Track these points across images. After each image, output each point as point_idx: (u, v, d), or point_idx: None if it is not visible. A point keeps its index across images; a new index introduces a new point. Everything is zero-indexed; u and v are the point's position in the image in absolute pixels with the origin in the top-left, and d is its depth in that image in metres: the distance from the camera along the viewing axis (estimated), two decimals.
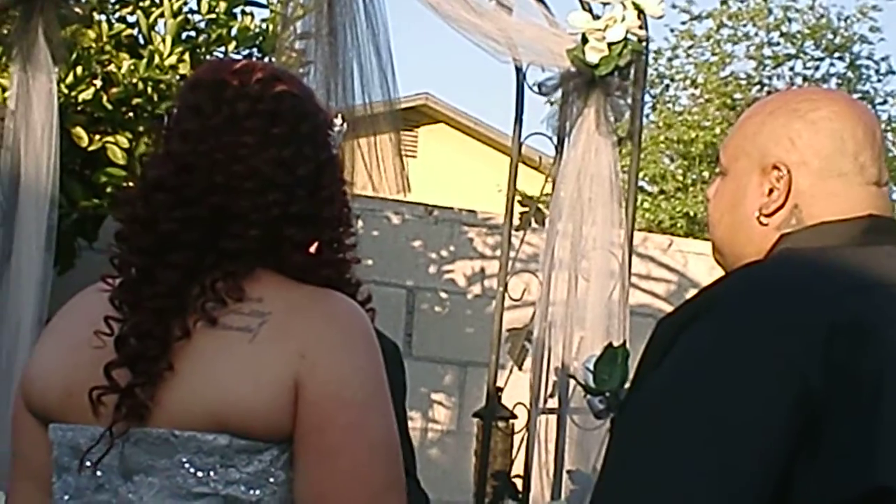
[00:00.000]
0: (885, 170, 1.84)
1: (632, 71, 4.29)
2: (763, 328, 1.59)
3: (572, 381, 4.15)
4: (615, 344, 3.75)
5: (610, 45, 4.12)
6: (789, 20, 18.72)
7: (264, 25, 5.18)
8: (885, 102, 18.90)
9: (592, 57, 4.14)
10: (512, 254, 4.62)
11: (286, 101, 1.93)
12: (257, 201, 1.86)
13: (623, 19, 4.11)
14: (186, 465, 1.79)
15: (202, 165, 1.87)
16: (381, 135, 4.04)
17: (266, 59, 4.93)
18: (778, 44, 18.87)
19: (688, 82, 19.07)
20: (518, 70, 4.48)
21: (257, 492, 1.79)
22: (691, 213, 17.14)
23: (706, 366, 1.60)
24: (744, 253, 1.84)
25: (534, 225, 4.60)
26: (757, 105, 1.92)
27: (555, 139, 4.53)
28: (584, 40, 4.16)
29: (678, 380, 1.61)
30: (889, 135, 18.39)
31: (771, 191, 1.81)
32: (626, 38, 4.13)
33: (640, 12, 4.16)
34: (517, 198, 4.62)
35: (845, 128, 1.80)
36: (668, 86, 19.05)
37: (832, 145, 1.79)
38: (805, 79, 18.80)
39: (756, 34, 18.79)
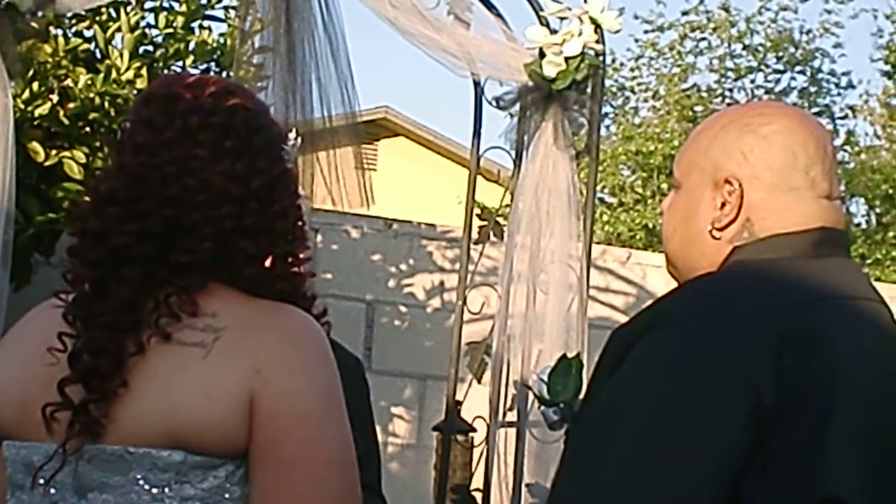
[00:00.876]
0: (837, 183, 1.85)
1: (589, 85, 4.30)
2: (714, 341, 1.60)
3: (531, 395, 4.15)
4: (570, 356, 3.76)
5: (567, 59, 4.13)
6: (752, 32, 18.84)
7: (222, 40, 5.16)
8: (845, 117, 19.04)
9: (550, 71, 4.15)
10: (471, 267, 4.62)
11: (239, 115, 1.92)
12: (210, 214, 1.86)
13: (580, 34, 4.13)
14: (141, 482, 1.78)
15: (154, 178, 1.86)
16: (340, 148, 4.04)
17: (224, 74, 4.91)
18: (740, 56, 18.98)
19: (649, 94, 19.14)
20: (476, 84, 4.49)
21: None
22: (650, 226, 17.19)
23: (658, 378, 1.61)
24: (697, 266, 1.85)
25: (493, 238, 4.60)
26: (710, 119, 1.94)
27: (513, 153, 4.54)
28: (542, 55, 4.17)
29: (630, 392, 1.62)
30: (847, 147, 18.52)
31: (723, 204, 1.82)
32: (583, 53, 4.14)
33: (597, 27, 4.18)
34: (476, 211, 4.63)
35: (797, 142, 1.81)
36: (628, 98, 19.12)
37: (784, 160, 1.81)
38: (767, 91, 18.91)
39: (719, 46, 18.89)
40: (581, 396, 3.41)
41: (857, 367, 1.63)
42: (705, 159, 1.86)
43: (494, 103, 4.40)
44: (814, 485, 1.55)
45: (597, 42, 4.19)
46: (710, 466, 1.55)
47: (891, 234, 16.72)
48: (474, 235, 4.62)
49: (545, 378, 3.63)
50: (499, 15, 4.33)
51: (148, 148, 1.88)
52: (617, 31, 4.23)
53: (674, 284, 1.85)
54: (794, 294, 1.70)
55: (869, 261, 15.97)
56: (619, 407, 1.62)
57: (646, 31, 18.98)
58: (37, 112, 4.47)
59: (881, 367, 1.67)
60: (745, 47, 18.84)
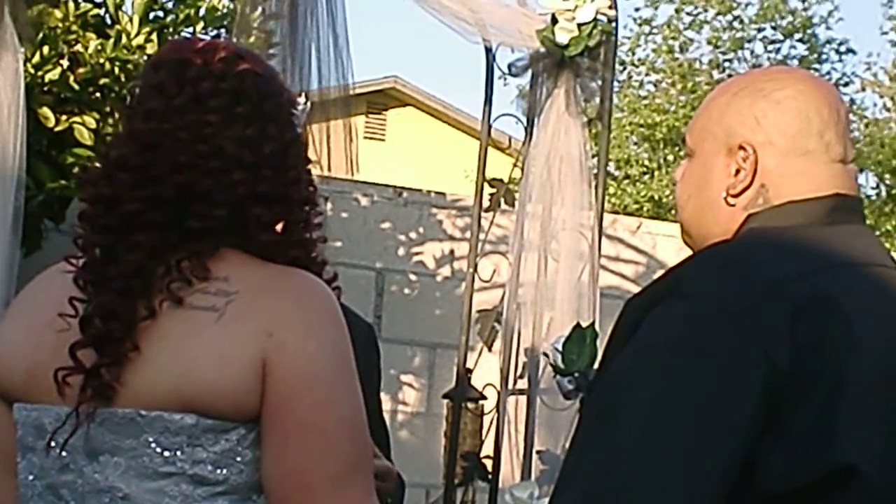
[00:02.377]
0: (851, 147, 1.84)
1: (601, 52, 4.28)
2: (728, 308, 1.59)
3: (542, 362, 4.15)
4: (584, 325, 3.76)
5: (580, 25, 4.12)
6: (747, 5, 18.81)
7: (232, 6, 5.15)
8: (846, 84, 18.98)
9: (562, 38, 4.14)
10: (481, 236, 4.62)
11: (249, 80, 1.91)
12: (222, 180, 1.85)
13: (593, 0, 4.11)
14: (153, 445, 1.78)
15: (165, 144, 1.86)
16: (335, 120, 4.04)
17: (234, 40, 4.90)
18: (738, 28, 18.92)
19: (647, 68, 19.10)
20: (488, 51, 4.47)
21: (224, 471, 1.79)
22: (656, 197, 17.20)
23: (672, 346, 1.60)
24: (711, 233, 1.84)
25: (503, 206, 4.60)
26: (722, 86, 1.92)
27: (524, 120, 4.52)
28: (554, 21, 4.16)
29: (644, 360, 1.62)
30: (853, 117, 18.48)
31: (737, 171, 1.81)
32: (595, 19, 4.13)
33: None
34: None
35: (810, 106, 1.80)
36: (630, 72, 19.07)
37: (797, 124, 1.80)
38: (766, 60, 18.87)
39: (715, 18, 18.84)
40: (596, 365, 3.41)
41: (872, 334, 1.62)
42: (718, 126, 1.85)
43: (507, 70, 4.39)
44: (829, 452, 1.55)
45: (609, 8, 4.18)
46: (724, 434, 1.55)
47: None
48: (485, 203, 4.61)
49: (560, 347, 3.63)
50: None
51: (159, 114, 1.88)
52: None
53: (684, 254, 1.84)
54: (808, 261, 1.69)
55: (878, 233, 15.97)
56: (633, 375, 1.61)
57: (636, 9, 18.95)
58: (47, 77, 4.46)
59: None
60: (735, 19, 18.80)
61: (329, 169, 3.96)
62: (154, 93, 1.90)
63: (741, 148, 1.81)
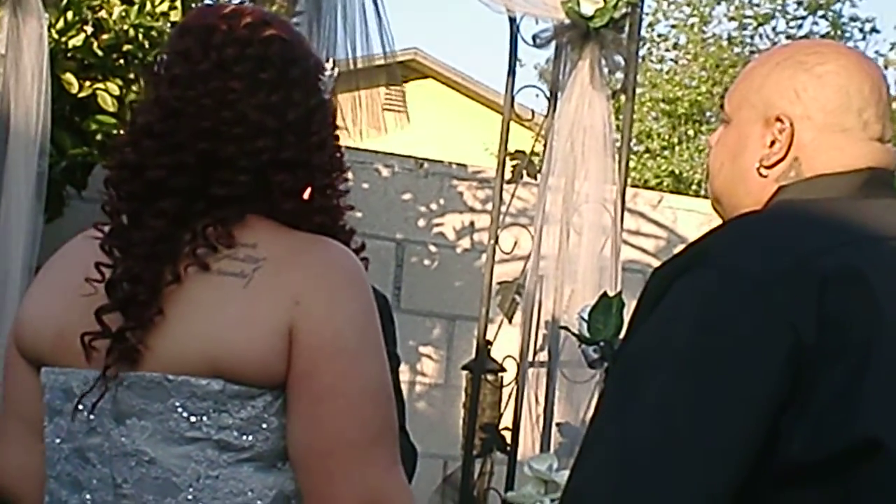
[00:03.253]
0: (890, 127, 1.83)
1: (626, 24, 4.27)
2: (755, 280, 1.59)
3: (562, 335, 4.15)
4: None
5: None
6: None
7: None
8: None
9: (587, 9, 4.12)
10: (502, 208, 4.61)
11: (275, 46, 1.91)
12: (246, 147, 1.85)
13: None
14: (179, 410, 1.78)
15: (189, 111, 1.86)
16: (365, 90, 4.03)
17: (256, 6, 4.89)
18: (759, 4, 18.80)
19: (669, 44, 19.00)
20: (512, 21, 4.46)
21: (250, 437, 1.80)
22: (677, 172, 17.13)
23: (697, 316, 1.60)
24: (742, 203, 1.83)
25: (526, 178, 4.59)
26: (764, 55, 1.91)
27: (547, 92, 4.51)
28: None
29: (669, 330, 1.61)
30: None
31: (773, 143, 1.80)
32: None
33: None
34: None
35: (851, 83, 1.79)
36: (650, 49, 18.96)
37: (837, 100, 1.78)
38: (788, 38, 18.75)
39: None
40: (621, 336, 3.40)
41: None
42: (757, 96, 1.84)
43: (531, 41, 4.37)
44: (853, 425, 1.54)
45: None
46: (747, 405, 1.54)
47: None
48: (507, 175, 4.60)
49: (585, 316, 3.62)
50: None
51: (183, 80, 1.88)
52: None
53: (705, 228, 1.83)
54: (836, 234, 1.68)
55: None
56: (658, 345, 1.61)
57: None
58: (70, 43, 4.45)
59: None
60: None
61: (361, 137, 3.95)
62: (180, 59, 1.90)
63: (778, 119, 1.80)
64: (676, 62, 18.72)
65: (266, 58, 1.89)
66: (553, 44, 4.36)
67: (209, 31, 1.90)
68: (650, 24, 18.61)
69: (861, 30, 18.93)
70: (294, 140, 1.89)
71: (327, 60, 2.16)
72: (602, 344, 3.57)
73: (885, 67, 18.28)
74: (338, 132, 2.01)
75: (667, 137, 17.94)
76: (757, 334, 1.56)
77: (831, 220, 1.72)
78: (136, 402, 1.80)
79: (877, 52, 18.95)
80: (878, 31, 19.12)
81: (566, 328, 3.85)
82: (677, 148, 17.66)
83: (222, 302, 1.79)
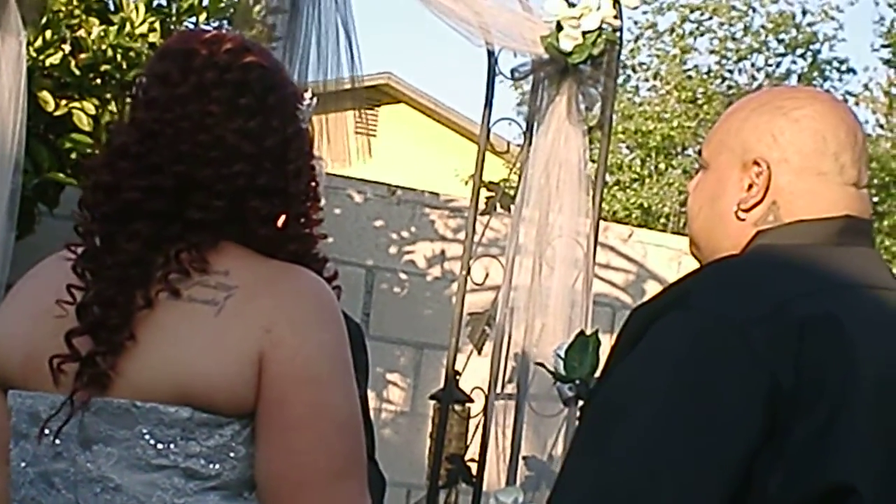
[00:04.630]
0: (866, 172, 1.85)
1: (604, 60, 4.29)
2: (733, 323, 1.59)
3: (531, 368, 4.15)
4: (584, 332, 3.76)
5: (584, 33, 4.12)
6: (753, 10, 18.81)
7: None
8: (844, 101, 19.01)
9: (566, 45, 4.14)
10: (475, 238, 4.62)
11: (254, 72, 1.91)
12: (222, 171, 1.85)
13: (598, 8, 4.12)
14: (146, 437, 1.77)
15: (167, 133, 1.85)
16: (340, 112, 4.03)
17: (236, 32, 4.89)
18: (742, 38, 18.94)
19: (649, 73, 19.10)
20: (490, 54, 4.47)
21: (217, 466, 1.79)
22: (646, 205, 17.20)
23: (675, 359, 1.61)
24: (720, 247, 1.84)
25: (499, 209, 4.60)
26: (742, 101, 1.93)
27: (523, 125, 4.53)
28: (559, 28, 4.16)
29: (647, 371, 1.62)
30: None
31: (750, 186, 1.81)
32: (600, 28, 4.14)
33: (616, 2, 4.17)
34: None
35: (828, 128, 1.80)
36: (628, 76, 19.07)
37: (813, 144, 1.80)
38: (767, 75, 18.89)
39: (720, 27, 18.86)
40: (597, 374, 3.41)
41: (873, 356, 1.63)
42: (735, 140, 1.85)
43: (510, 75, 4.39)
44: (827, 471, 1.55)
45: (615, 18, 4.18)
46: (725, 447, 1.55)
47: (886, 222, 16.74)
48: (481, 206, 4.61)
49: (562, 354, 3.63)
50: None
51: (162, 103, 1.88)
52: (635, 8, 4.22)
53: (675, 264, 1.84)
54: (815, 281, 1.70)
55: None
56: (635, 385, 1.62)
57: (644, 12, 18.95)
58: (48, 61, 4.44)
59: None
60: (745, 28, 18.81)
61: (333, 158, 3.95)
62: (158, 82, 1.90)
63: (755, 163, 1.81)
64: (656, 91, 18.81)
65: (245, 84, 1.90)
66: (531, 77, 4.38)
67: (189, 55, 1.91)
68: (631, 51, 18.72)
69: (838, 70, 19.12)
70: (270, 167, 1.88)
71: (306, 90, 2.16)
72: (577, 382, 3.57)
73: (857, 104, 18.43)
74: (314, 162, 2.02)
75: (637, 170, 18.00)
76: (735, 378, 1.57)
77: (809, 267, 1.73)
78: (103, 428, 1.79)
79: (847, 91, 19.12)
80: (854, 72, 19.31)
81: (542, 364, 3.85)
82: (647, 181, 17.72)
83: (193, 329, 1.79)
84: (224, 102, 1.87)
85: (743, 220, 1.82)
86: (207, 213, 1.85)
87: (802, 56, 19.04)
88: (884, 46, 18.43)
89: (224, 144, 1.85)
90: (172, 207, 1.84)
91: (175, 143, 1.85)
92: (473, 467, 4.50)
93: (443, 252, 6.73)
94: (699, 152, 1.95)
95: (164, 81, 1.89)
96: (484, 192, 4.61)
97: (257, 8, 4.19)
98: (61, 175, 4.54)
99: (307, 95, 2.07)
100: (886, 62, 18.67)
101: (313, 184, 1.98)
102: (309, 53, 3.96)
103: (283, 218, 1.93)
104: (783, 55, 19.10)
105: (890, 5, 18.45)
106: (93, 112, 4.56)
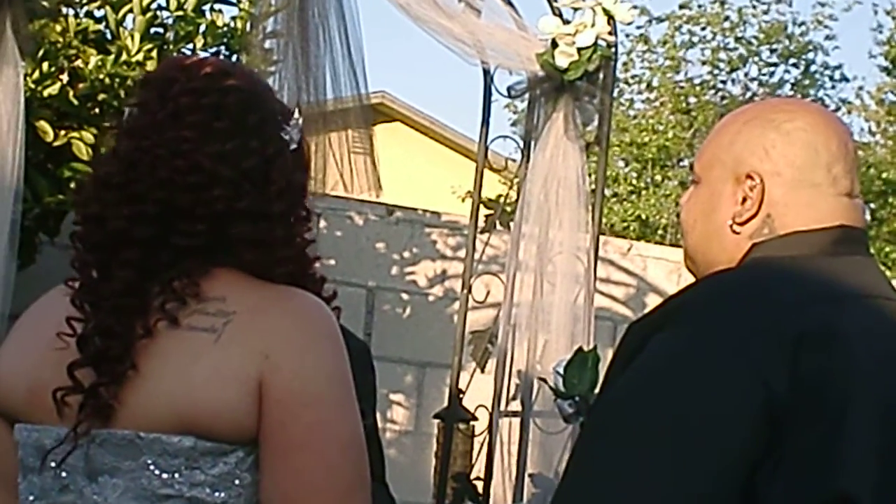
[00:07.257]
0: (858, 181, 1.86)
1: (600, 76, 4.30)
2: (729, 335, 1.60)
3: (536, 384, 4.16)
4: (583, 349, 3.77)
5: (580, 50, 4.14)
6: (745, 23, 18.85)
7: (233, 23, 5.15)
8: (838, 109, 19.06)
9: (562, 61, 4.16)
10: (476, 256, 4.63)
11: (232, 95, 1.91)
12: (202, 196, 1.84)
13: (593, 25, 4.14)
14: (151, 467, 1.77)
15: (145, 161, 1.85)
16: (352, 130, 4.04)
17: (234, 58, 4.90)
18: (735, 49, 18.98)
19: (643, 85, 19.13)
20: (486, 73, 4.49)
21: (222, 494, 1.79)
22: (643, 217, 17.21)
23: (672, 371, 1.61)
24: (716, 261, 1.85)
25: (498, 227, 4.61)
26: (732, 115, 1.94)
27: (521, 143, 4.54)
28: (554, 45, 4.17)
29: (644, 384, 1.62)
30: None
31: (744, 199, 1.82)
32: (595, 44, 4.15)
33: (611, 18, 4.19)
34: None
35: (819, 139, 1.81)
36: (622, 90, 19.10)
37: (806, 156, 1.81)
38: (761, 84, 18.92)
39: (713, 38, 18.90)
40: (596, 390, 3.41)
41: (874, 365, 1.63)
42: (727, 154, 1.86)
43: (506, 93, 4.41)
44: (827, 482, 1.56)
45: (609, 34, 4.20)
46: (722, 460, 1.55)
47: (885, 229, 16.77)
48: (480, 223, 4.63)
49: (561, 370, 3.64)
50: (510, 3, 4.34)
51: (140, 131, 1.88)
52: (630, 23, 4.24)
53: (674, 276, 1.86)
54: (811, 292, 1.70)
55: None
56: (632, 401, 1.63)
57: (639, 26, 18.99)
58: (46, 92, 4.45)
59: None
60: (737, 39, 18.85)
61: (352, 188, 3.96)
62: (139, 111, 1.92)
63: (749, 177, 1.82)
64: (650, 102, 18.83)
65: (222, 107, 1.89)
66: (527, 95, 4.40)
67: (168, 82, 1.91)
68: (625, 65, 18.75)
69: (831, 78, 19.14)
70: (251, 189, 1.87)
71: (296, 108, 2.15)
72: (577, 398, 3.57)
73: (849, 112, 18.46)
74: (306, 181, 2.01)
75: (634, 182, 18.02)
76: (730, 392, 1.57)
77: (805, 278, 1.74)
78: (108, 460, 1.79)
79: (842, 98, 19.15)
80: (847, 80, 19.34)
81: (544, 380, 3.86)
82: (644, 193, 17.73)
83: (193, 358, 1.79)
84: (199, 127, 1.87)
85: (738, 233, 1.83)
86: (192, 239, 1.84)
87: (795, 65, 19.08)
88: (880, 55, 18.49)
89: (201, 169, 1.85)
90: (160, 234, 1.84)
91: (154, 170, 1.85)
92: (479, 485, 4.50)
93: (444, 271, 6.73)
94: (692, 166, 1.96)
95: (143, 110, 1.91)
96: (483, 210, 4.62)
97: (255, 32, 4.21)
98: (60, 196, 4.54)
99: (294, 115, 2.05)
100: (884, 69, 18.73)
101: (299, 203, 1.96)
102: (324, 75, 3.97)
103: (268, 241, 1.90)
104: (776, 65, 19.14)
105: (888, 12, 18.52)
106: (91, 141, 4.57)
